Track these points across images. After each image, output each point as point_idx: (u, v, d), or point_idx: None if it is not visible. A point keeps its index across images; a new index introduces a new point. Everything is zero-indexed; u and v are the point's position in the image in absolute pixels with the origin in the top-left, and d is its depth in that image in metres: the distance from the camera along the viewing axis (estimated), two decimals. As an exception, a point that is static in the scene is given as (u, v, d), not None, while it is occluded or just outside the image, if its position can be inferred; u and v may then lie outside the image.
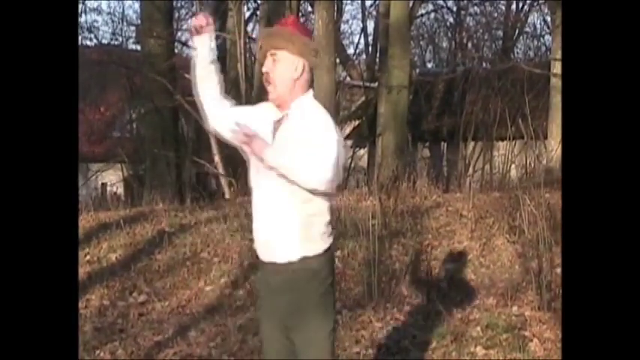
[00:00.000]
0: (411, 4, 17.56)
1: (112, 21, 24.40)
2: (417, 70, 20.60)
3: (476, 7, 20.69)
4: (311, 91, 3.59)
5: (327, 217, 3.53)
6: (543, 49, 19.97)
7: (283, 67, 3.53)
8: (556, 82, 12.12)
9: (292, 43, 3.53)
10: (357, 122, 20.88)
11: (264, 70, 3.58)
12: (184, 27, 22.06)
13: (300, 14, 17.47)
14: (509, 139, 12.84)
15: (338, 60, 17.81)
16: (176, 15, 19.42)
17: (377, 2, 19.96)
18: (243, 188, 12.00)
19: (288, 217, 3.46)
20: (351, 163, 18.80)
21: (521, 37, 21.34)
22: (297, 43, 3.53)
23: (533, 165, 12.28)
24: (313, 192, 3.38)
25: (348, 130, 21.29)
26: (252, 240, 7.35)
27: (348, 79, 21.06)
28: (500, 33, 20.55)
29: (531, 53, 20.47)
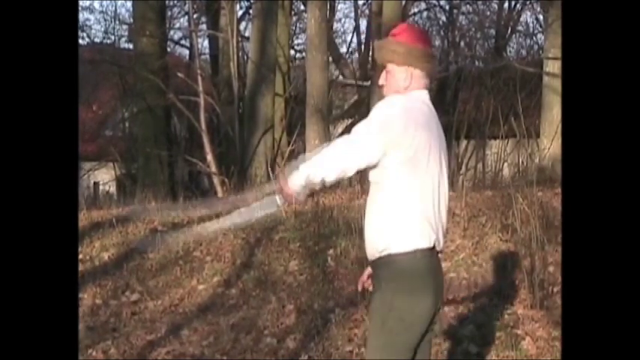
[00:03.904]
0: (403, 3, 17.59)
1: (105, 20, 24.40)
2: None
3: (468, 6, 20.69)
4: (415, 91, 3.59)
5: None
6: (536, 47, 19.98)
7: (393, 79, 3.61)
8: (548, 81, 12.12)
9: (396, 53, 3.59)
10: (349, 121, 20.85)
11: (379, 83, 3.67)
12: (177, 26, 22.06)
13: (292, 13, 17.47)
14: (502, 137, 12.86)
15: (331, 59, 17.80)
16: (168, 14, 19.39)
17: (369, 1, 19.95)
18: (235, 187, 12.01)
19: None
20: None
21: (513, 36, 21.34)
22: (401, 52, 3.57)
23: (525, 163, 12.29)
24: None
25: (340, 128, 21.29)
26: (244, 239, 7.35)
27: (340, 77, 21.06)
28: (492, 32, 20.54)
29: (524, 52, 20.48)
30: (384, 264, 3.50)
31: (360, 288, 3.91)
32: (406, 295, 3.43)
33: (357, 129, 3.45)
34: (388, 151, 3.42)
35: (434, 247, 3.50)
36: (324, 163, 3.47)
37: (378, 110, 3.48)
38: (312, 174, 3.47)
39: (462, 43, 20.06)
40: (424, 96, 3.61)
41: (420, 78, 3.59)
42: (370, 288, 3.77)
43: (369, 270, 3.78)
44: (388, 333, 3.46)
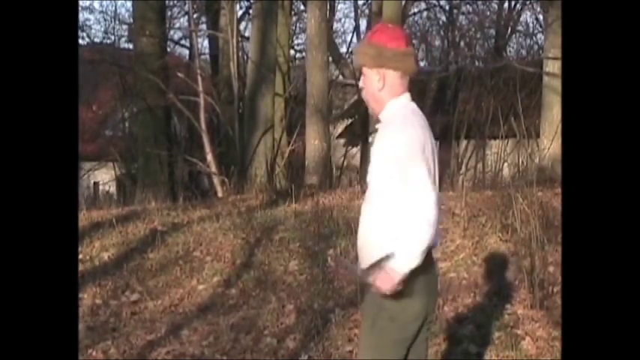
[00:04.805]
0: (403, 3, 17.59)
1: (105, 20, 24.47)
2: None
3: (468, 6, 20.73)
4: (402, 97, 3.56)
5: None
6: (535, 47, 19.99)
7: (368, 82, 3.59)
8: (548, 81, 12.13)
9: (368, 55, 3.56)
10: (349, 121, 20.88)
11: (359, 86, 3.67)
12: (177, 26, 22.07)
13: (292, 13, 17.46)
14: (502, 137, 12.88)
15: (331, 58, 17.78)
16: (168, 14, 19.40)
17: (369, 1, 19.97)
18: (235, 187, 12.01)
19: None
20: (343, 161, 18.82)
21: (513, 36, 21.38)
22: (372, 54, 3.54)
23: (525, 163, 12.31)
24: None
25: (340, 128, 21.30)
26: (244, 239, 7.33)
27: (340, 77, 21.04)
28: (492, 32, 20.57)
29: (524, 52, 20.50)
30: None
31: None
32: (396, 295, 3.42)
33: (377, 184, 3.45)
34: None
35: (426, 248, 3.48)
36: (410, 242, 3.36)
37: (381, 149, 3.46)
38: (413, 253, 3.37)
39: (462, 43, 20.09)
40: (406, 101, 3.58)
41: (395, 78, 3.54)
42: None
43: None
44: (378, 333, 3.47)
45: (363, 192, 3.73)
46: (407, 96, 3.59)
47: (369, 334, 3.53)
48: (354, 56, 3.76)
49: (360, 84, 3.65)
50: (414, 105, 3.60)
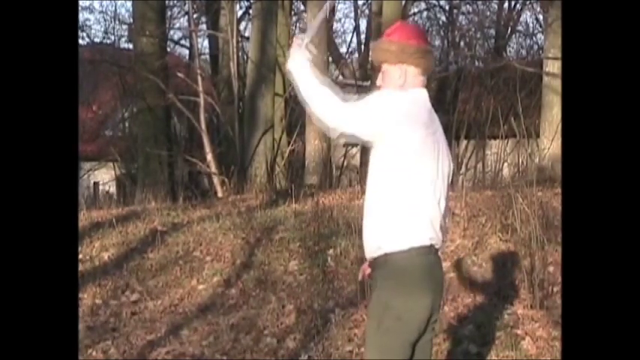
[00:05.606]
0: (403, 3, 17.57)
1: (105, 20, 24.50)
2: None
3: (468, 6, 20.68)
4: (412, 89, 3.58)
5: None
6: (535, 47, 19.97)
7: (388, 78, 3.60)
8: (548, 81, 12.12)
9: (389, 52, 3.59)
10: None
11: (377, 84, 3.66)
12: (177, 26, 22.05)
13: (292, 13, 17.46)
14: (502, 137, 12.85)
15: (330, 59, 17.79)
16: (168, 14, 19.37)
17: (369, 1, 19.95)
18: (235, 187, 12.00)
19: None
20: (343, 161, 18.80)
21: (513, 36, 21.34)
22: (394, 51, 3.57)
23: (525, 163, 12.28)
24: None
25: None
26: (244, 239, 7.35)
27: (340, 77, 21.03)
28: (492, 32, 20.53)
29: (524, 52, 20.47)
30: (381, 263, 3.50)
31: (360, 277, 3.90)
32: (403, 294, 3.42)
33: (357, 104, 3.48)
34: (378, 139, 3.44)
35: (432, 246, 3.49)
36: (312, 92, 3.56)
37: (377, 97, 3.49)
38: (300, 84, 3.60)
39: (462, 43, 20.04)
40: (423, 95, 3.61)
41: (415, 75, 3.58)
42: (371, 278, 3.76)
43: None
44: (385, 332, 3.46)
45: (363, 192, 3.74)
46: (423, 90, 3.62)
47: (375, 334, 3.51)
48: (373, 53, 3.76)
49: (378, 81, 3.66)
50: (425, 97, 3.62)
